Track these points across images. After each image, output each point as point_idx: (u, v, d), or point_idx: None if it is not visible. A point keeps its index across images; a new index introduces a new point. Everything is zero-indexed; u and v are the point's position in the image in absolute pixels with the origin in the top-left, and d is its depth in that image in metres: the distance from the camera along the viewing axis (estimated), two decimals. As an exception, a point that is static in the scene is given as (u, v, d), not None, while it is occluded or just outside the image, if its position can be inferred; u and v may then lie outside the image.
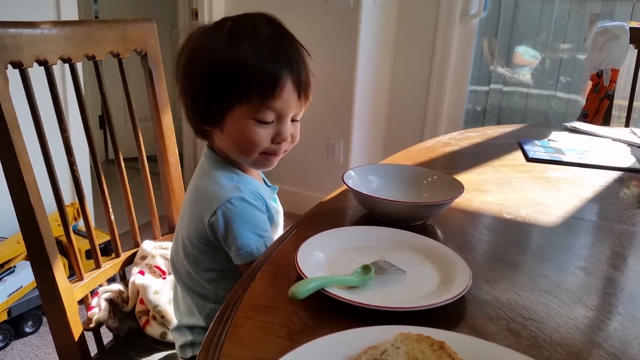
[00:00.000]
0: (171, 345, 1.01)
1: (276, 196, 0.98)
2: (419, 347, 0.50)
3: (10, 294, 1.77)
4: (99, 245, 1.10)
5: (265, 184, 0.98)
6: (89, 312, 1.03)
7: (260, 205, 0.86)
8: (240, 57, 0.80)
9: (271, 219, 0.90)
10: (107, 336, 1.08)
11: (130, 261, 1.15)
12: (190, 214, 0.89)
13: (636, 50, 1.90)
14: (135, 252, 1.15)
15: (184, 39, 0.86)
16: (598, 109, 2.07)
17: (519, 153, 1.34)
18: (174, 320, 1.02)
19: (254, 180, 0.91)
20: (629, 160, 1.30)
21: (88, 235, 1.04)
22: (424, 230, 0.85)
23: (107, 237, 1.95)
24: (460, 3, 2.71)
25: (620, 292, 0.71)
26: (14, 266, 1.82)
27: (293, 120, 0.87)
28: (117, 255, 1.12)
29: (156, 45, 1.15)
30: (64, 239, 1.66)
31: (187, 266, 0.90)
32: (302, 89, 0.84)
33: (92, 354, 1.00)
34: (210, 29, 0.85)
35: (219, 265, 0.88)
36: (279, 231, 0.95)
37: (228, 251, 0.85)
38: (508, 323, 0.60)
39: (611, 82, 2.03)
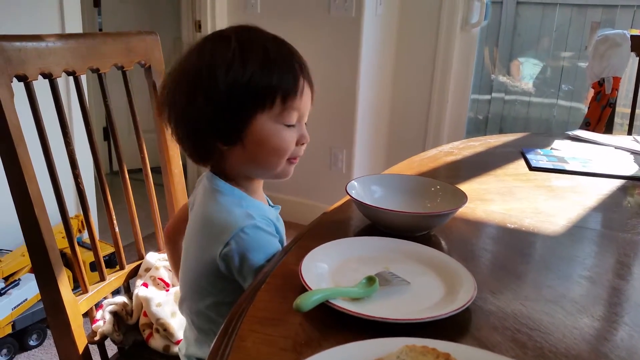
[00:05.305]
0: (174, 359, 1.01)
1: (279, 215, 0.95)
2: (425, 359, 0.50)
3: (14, 307, 1.77)
4: (104, 257, 1.10)
5: (269, 203, 0.95)
6: (94, 325, 1.03)
7: (272, 231, 0.82)
8: (256, 68, 0.77)
9: (282, 242, 0.86)
10: (111, 349, 1.08)
11: (134, 273, 1.15)
12: (197, 243, 0.84)
13: (637, 58, 1.91)
14: (140, 264, 1.15)
15: (168, 72, 0.82)
16: (600, 117, 2.07)
17: (522, 162, 1.34)
18: (176, 334, 1.02)
19: (261, 204, 0.87)
20: (632, 169, 1.30)
21: (92, 248, 1.04)
22: (428, 240, 0.84)
23: (112, 249, 1.95)
24: (461, 12, 2.73)
25: (625, 301, 0.71)
26: (19, 279, 1.82)
27: None
28: (122, 268, 1.12)
29: (160, 58, 1.16)
30: (68, 251, 1.64)
31: (193, 297, 0.87)
32: (313, 88, 0.84)
33: (97, 367, 1.00)
34: (199, 52, 0.80)
35: (225, 297, 0.84)
36: None
37: (242, 282, 0.79)
38: (513, 334, 0.60)
39: (613, 89, 2.03)
